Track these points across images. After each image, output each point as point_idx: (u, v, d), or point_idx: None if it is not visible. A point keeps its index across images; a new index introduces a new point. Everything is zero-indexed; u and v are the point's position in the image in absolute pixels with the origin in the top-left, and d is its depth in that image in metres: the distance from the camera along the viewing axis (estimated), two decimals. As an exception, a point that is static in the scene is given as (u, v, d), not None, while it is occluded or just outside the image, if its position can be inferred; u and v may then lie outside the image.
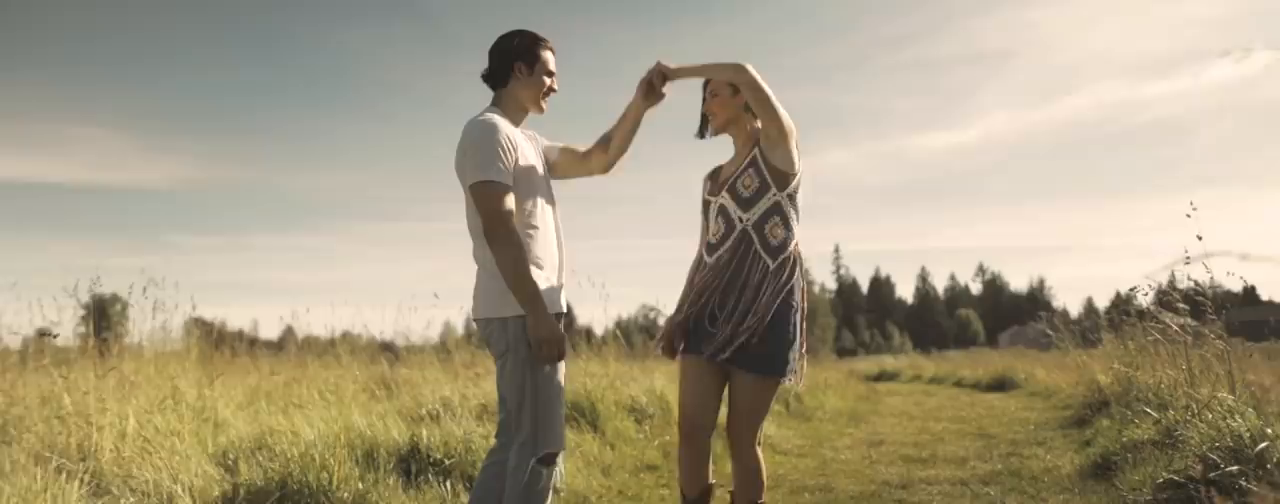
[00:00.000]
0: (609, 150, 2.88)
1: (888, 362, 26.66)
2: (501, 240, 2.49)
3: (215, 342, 8.57)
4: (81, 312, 5.92)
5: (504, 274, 2.48)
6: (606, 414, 5.49)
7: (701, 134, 2.97)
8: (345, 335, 9.09)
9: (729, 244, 2.84)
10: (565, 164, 2.89)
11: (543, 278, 2.60)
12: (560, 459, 2.63)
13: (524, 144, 2.68)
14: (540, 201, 2.67)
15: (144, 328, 6.28)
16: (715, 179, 2.99)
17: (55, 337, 4.65)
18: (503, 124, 2.60)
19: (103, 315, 6.23)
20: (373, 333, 9.51)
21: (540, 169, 2.72)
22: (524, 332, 2.52)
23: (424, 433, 4.18)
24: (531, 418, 2.55)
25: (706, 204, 2.98)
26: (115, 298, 6.96)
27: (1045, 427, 6.98)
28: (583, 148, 2.90)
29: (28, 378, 4.97)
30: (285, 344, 9.62)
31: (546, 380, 2.56)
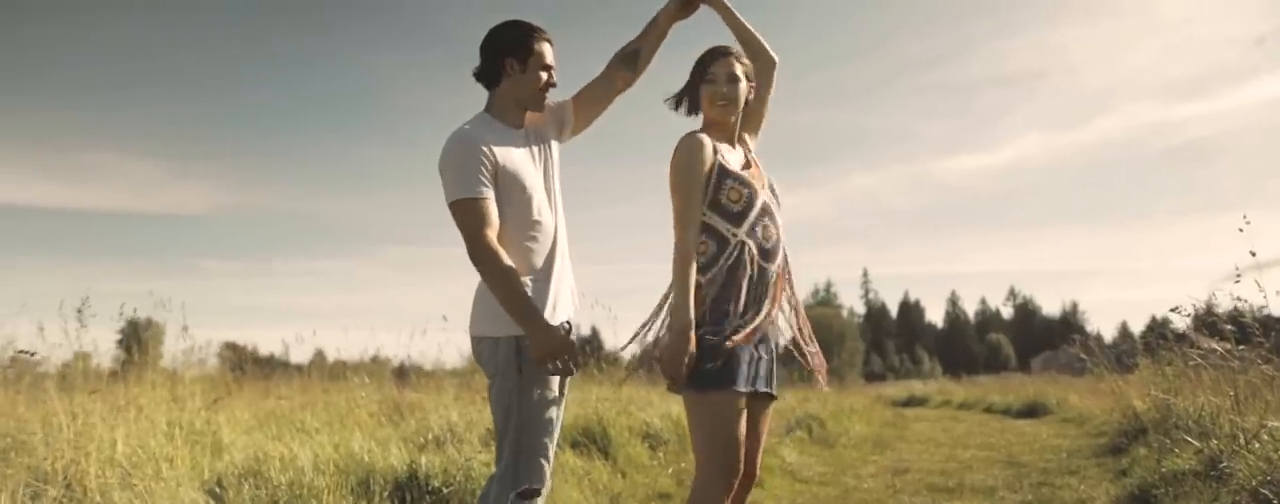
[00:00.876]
0: (638, 65, 2.64)
1: (917, 387, 26.22)
2: (483, 261, 2.31)
3: (241, 365, 8.55)
4: (117, 335, 5.88)
5: (495, 295, 2.31)
6: (618, 440, 5.30)
7: (684, 107, 2.58)
8: (375, 359, 9.06)
9: (783, 254, 2.50)
10: (588, 107, 2.64)
11: (541, 289, 2.42)
12: (542, 498, 2.41)
13: (517, 148, 2.47)
14: (539, 208, 2.46)
15: (175, 351, 6.27)
16: (734, 165, 2.52)
17: (32, 354, 4.55)
18: (480, 134, 2.40)
19: (136, 339, 6.20)
20: (385, 356, 9.45)
21: (539, 171, 2.51)
22: (515, 354, 2.35)
23: (423, 460, 4.01)
24: (513, 448, 2.36)
25: (743, 190, 2.46)
26: (149, 322, 6.96)
27: (1078, 455, 6.73)
28: (602, 80, 2.64)
29: (35, 399, 4.89)
30: (312, 368, 9.58)
31: (535, 408, 2.37)
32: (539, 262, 2.45)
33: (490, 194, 2.37)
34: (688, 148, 2.43)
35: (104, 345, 5.68)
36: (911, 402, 19.51)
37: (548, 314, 2.40)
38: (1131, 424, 6.62)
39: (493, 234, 2.35)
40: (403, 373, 9.02)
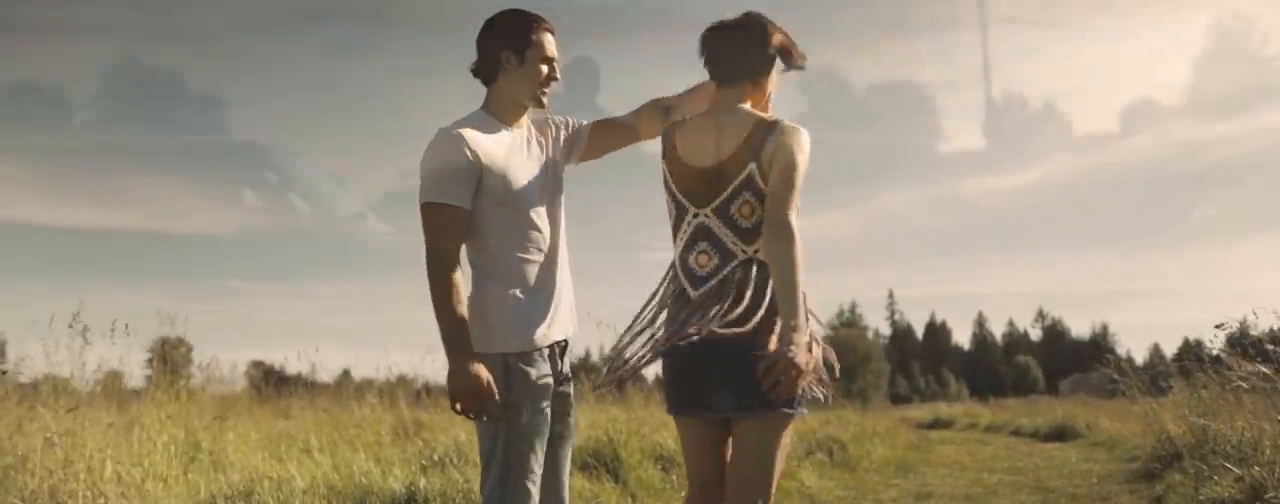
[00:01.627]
0: (669, 119, 2.44)
1: (942, 409, 25.81)
2: (432, 273, 2.16)
3: (262, 384, 8.53)
4: (148, 355, 5.84)
5: (433, 309, 2.15)
6: (629, 462, 5.14)
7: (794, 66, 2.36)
8: (401, 379, 9.01)
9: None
10: (604, 140, 2.47)
11: (535, 304, 2.27)
12: None
13: (515, 150, 2.30)
14: (536, 217, 2.30)
15: (201, 369, 6.24)
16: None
17: (4, 373, 4.47)
18: (470, 135, 2.23)
19: (168, 358, 6.17)
20: (412, 376, 9.42)
21: (538, 176, 2.33)
22: (504, 371, 2.19)
23: (423, 481, 3.87)
24: (500, 471, 2.20)
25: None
26: (180, 341, 6.97)
27: (1109, 480, 6.49)
28: (630, 120, 2.47)
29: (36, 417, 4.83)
30: (334, 388, 9.58)
31: (524, 429, 2.21)
32: (533, 274, 2.29)
33: (464, 203, 2.20)
34: (805, 135, 2.24)
35: (134, 365, 5.69)
36: (937, 424, 19.19)
37: (542, 331, 2.25)
38: (1165, 449, 6.39)
39: (453, 247, 2.18)
40: (429, 392, 8.99)
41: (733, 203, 2.23)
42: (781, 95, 2.45)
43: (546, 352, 2.29)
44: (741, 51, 2.30)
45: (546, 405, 2.27)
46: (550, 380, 2.28)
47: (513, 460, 2.20)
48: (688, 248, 2.29)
